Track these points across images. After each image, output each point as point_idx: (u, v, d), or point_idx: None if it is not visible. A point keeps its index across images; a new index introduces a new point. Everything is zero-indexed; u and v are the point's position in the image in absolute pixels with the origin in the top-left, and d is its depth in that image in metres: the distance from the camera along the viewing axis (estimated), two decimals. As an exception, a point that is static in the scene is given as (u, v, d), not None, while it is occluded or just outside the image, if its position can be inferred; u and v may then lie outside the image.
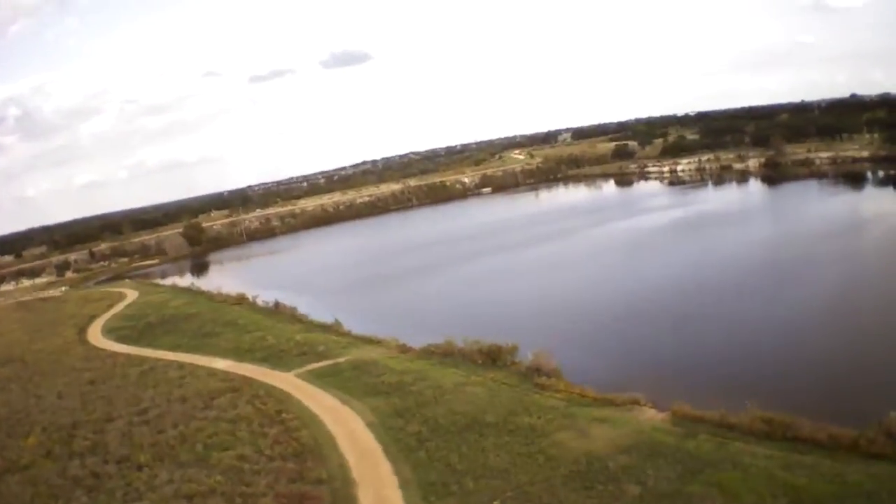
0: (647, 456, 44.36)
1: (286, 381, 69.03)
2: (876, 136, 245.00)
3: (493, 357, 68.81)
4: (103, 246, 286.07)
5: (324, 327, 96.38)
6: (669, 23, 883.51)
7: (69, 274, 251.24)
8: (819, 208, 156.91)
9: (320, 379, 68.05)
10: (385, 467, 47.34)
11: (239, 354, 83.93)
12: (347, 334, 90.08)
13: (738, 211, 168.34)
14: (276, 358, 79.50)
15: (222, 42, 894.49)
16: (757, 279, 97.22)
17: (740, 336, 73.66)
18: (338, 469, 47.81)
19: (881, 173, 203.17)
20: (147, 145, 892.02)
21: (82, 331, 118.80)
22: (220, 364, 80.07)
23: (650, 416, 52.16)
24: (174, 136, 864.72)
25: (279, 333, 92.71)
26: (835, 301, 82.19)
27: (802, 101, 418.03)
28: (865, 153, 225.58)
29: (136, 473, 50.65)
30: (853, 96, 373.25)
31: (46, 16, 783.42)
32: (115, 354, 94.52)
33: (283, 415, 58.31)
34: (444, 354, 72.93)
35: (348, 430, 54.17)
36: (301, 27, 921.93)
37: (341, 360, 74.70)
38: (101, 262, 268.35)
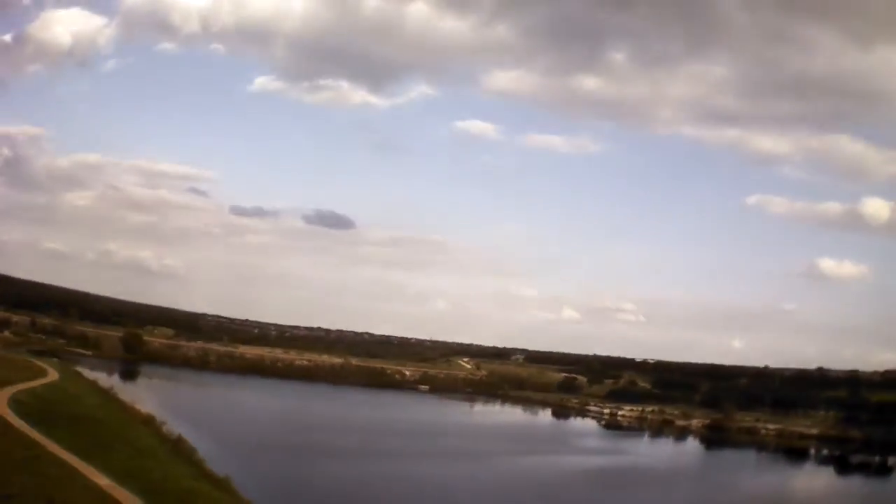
0: None
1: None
2: (831, 414, 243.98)
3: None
4: (47, 321, 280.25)
5: (213, 480, 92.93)
6: (645, 264, 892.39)
7: (6, 333, 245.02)
8: (752, 482, 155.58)
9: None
10: None
11: (122, 477, 79.47)
12: (234, 494, 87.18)
13: (670, 469, 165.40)
14: (155, 495, 76.07)
15: (214, 164, 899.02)
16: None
17: None
18: None
19: (825, 452, 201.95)
20: (119, 238, 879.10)
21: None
22: (102, 481, 76.28)
23: None
24: (146, 239, 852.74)
25: (169, 470, 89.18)
26: None
27: (767, 366, 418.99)
28: (815, 431, 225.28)
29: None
30: (819, 370, 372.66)
31: (63, 71, 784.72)
32: (9, 427, 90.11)
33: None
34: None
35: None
36: (291, 172, 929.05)
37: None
38: (41, 335, 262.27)
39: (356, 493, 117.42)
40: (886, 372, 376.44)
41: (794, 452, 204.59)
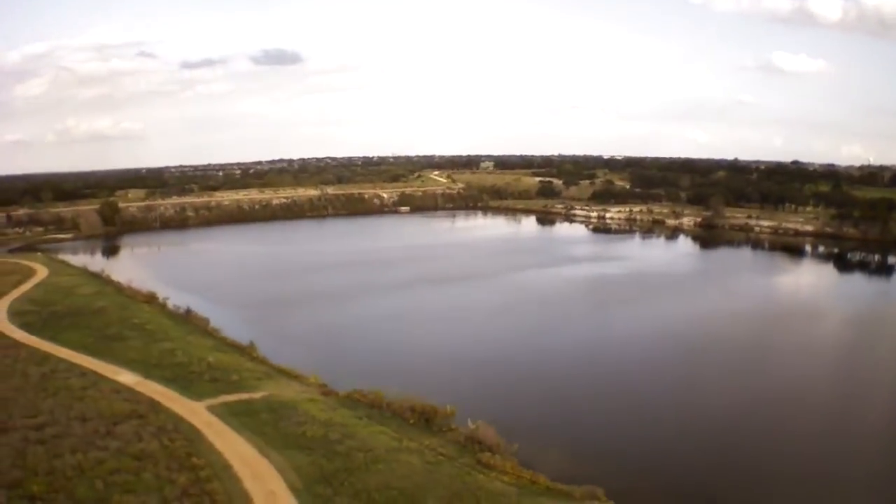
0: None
1: (197, 413, 62.71)
2: (823, 210, 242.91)
3: (427, 419, 64.08)
4: (21, 212, 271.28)
5: (237, 349, 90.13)
6: (599, 61, 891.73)
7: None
8: (764, 283, 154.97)
9: (234, 417, 61.94)
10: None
11: (146, 368, 76.83)
12: (263, 362, 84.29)
13: (677, 274, 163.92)
14: (185, 380, 72.90)
15: (159, 23, 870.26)
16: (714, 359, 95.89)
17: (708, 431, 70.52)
18: (253, 539, 42.81)
19: (821, 249, 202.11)
20: (76, 114, 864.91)
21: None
22: (126, 378, 72.99)
23: (613, 515, 48.14)
24: (102, 109, 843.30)
25: (190, 349, 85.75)
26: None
27: (737, 159, 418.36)
28: (810, 227, 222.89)
29: (26, 507, 44.77)
30: (795, 163, 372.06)
31: None
32: (17, 345, 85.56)
33: (194, 459, 52.07)
34: (371, 405, 67.84)
35: (267, 490, 48.39)
36: (236, 19, 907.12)
37: (257, 395, 68.78)
38: (17, 229, 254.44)
39: (387, 328, 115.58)
40: (863, 167, 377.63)
41: (789, 250, 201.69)
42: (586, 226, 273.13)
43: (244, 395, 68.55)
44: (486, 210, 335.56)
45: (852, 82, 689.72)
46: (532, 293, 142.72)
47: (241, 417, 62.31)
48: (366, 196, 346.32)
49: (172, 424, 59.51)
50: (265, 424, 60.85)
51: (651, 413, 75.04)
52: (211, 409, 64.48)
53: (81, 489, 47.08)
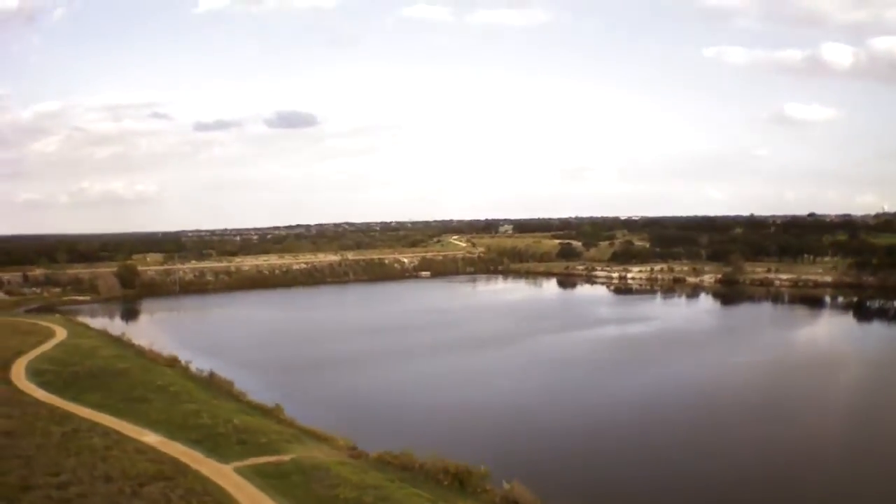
0: None
1: (225, 476, 60.29)
2: (841, 260, 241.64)
3: (461, 480, 61.16)
4: (37, 271, 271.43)
5: (263, 411, 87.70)
6: (610, 121, 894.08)
7: (1, 294, 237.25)
8: (787, 336, 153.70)
9: (264, 480, 59.44)
10: None
11: (170, 430, 74.58)
12: (290, 424, 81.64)
13: (702, 332, 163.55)
14: (211, 442, 70.54)
15: (172, 84, 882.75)
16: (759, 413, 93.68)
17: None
18: None
19: (840, 299, 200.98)
20: (89, 175, 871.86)
21: (6, 367, 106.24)
22: (150, 438, 70.81)
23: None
24: (116, 170, 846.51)
25: (215, 411, 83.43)
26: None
27: (752, 214, 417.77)
28: (829, 278, 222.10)
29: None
30: (812, 215, 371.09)
31: (13, 28, 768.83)
32: (37, 403, 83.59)
33: (225, 523, 50.21)
34: (403, 467, 64.94)
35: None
36: (250, 81, 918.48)
37: (286, 457, 66.24)
38: (34, 289, 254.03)
39: (416, 392, 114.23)
40: (879, 215, 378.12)
41: (809, 301, 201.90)
42: (608, 287, 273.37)
43: (273, 458, 65.99)
44: (507, 273, 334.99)
45: (863, 129, 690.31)
46: (558, 355, 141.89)
47: (270, 480, 59.77)
48: (386, 261, 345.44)
49: (201, 486, 56.94)
50: (296, 487, 58.26)
51: (686, 468, 73.25)
52: (239, 471, 61.93)
53: (108, 556, 44.86)
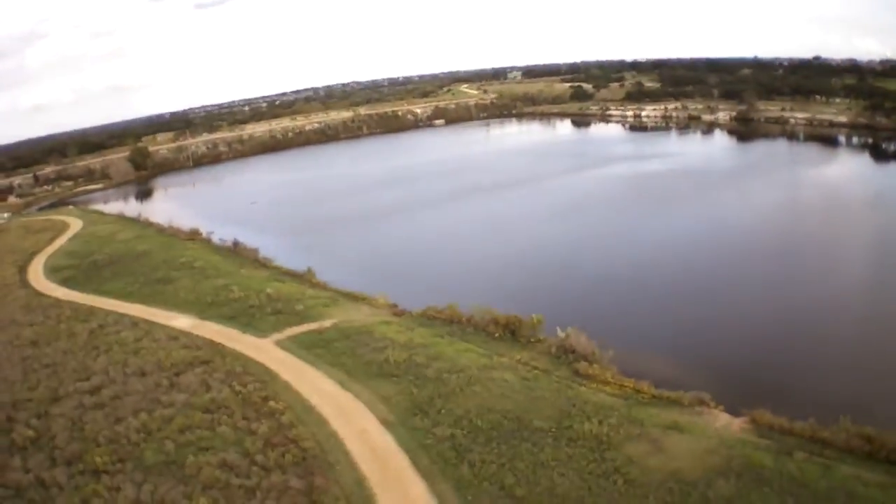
0: (751, 482, 34.22)
1: (265, 351, 56.70)
2: (855, 102, 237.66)
3: (513, 331, 57.26)
4: (48, 169, 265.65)
5: (295, 277, 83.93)
6: None
7: (12, 199, 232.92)
8: (817, 172, 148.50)
9: (307, 350, 55.82)
10: (418, 488, 36.34)
11: (201, 309, 70.90)
12: (325, 287, 77.76)
13: (726, 169, 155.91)
14: (246, 316, 66.81)
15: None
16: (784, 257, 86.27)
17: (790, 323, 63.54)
18: (356, 489, 36.61)
19: (855, 140, 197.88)
20: (92, 69, 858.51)
21: (23, 269, 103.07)
22: (182, 322, 67.06)
23: (725, 422, 41.64)
24: (118, 61, 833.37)
25: (245, 283, 79.67)
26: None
27: (756, 56, 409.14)
28: (844, 118, 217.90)
29: (92, 484, 38.69)
30: (817, 58, 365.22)
31: None
32: (59, 303, 80.00)
33: (272, 403, 46.28)
34: (450, 322, 61.29)
35: (358, 429, 42.60)
36: None
37: (326, 323, 62.51)
38: (45, 187, 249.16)
39: (444, 242, 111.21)
40: (884, 61, 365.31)
41: (825, 140, 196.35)
42: (623, 125, 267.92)
43: (313, 325, 62.32)
44: (521, 117, 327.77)
45: None
46: (585, 196, 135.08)
47: (314, 350, 56.14)
48: (399, 113, 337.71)
49: (241, 367, 53.41)
50: (342, 354, 54.60)
51: (738, 311, 68.16)
52: (279, 344, 58.41)
53: (150, 454, 41.66)
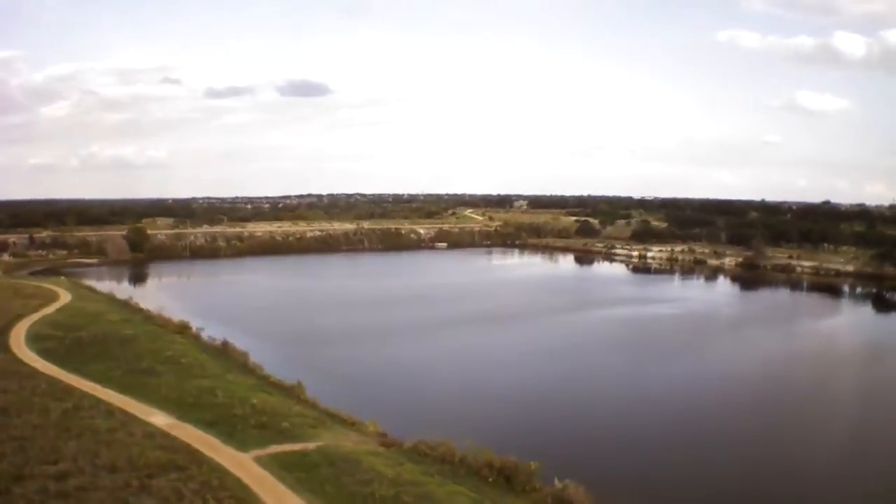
0: None
1: (244, 467, 53.89)
2: (858, 251, 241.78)
3: (508, 476, 55.26)
4: (44, 233, 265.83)
5: (283, 389, 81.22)
6: (624, 101, 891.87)
7: (5, 257, 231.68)
8: (824, 323, 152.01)
9: (289, 472, 53.03)
10: None
11: (182, 409, 68.07)
12: (314, 405, 75.12)
13: (732, 316, 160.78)
14: (227, 424, 64.01)
15: (184, 49, 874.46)
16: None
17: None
18: None
19: (858, 289, 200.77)
20: (100, 140, 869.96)
21: (4, 332, 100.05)
22: (159, 419, 64.35)
23: None
24: (127, 136, 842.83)
25: (231, 388, 77.02)
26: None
27: (764, 200, 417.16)
28: (850, 268, 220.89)
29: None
30: (826, 203, 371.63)
31: None
32: (36, 374, 77.07)
33: (246, 525, 43.77)
34: (442, 460, 58.77)
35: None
36: (262, 48, 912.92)
37: (311, 445, 59.84)
38: (40, 251, 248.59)
39: (440, 370, 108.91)
40: (892, 206, 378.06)
41: (828, 290, 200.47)
42: (626, 265, 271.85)
43: (297, 446, 59.61)
44: (524, 248, 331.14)
45: (875, 121, 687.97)
46: (588, 335, 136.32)
47: (295, 472, 53.37)
48: (402, 231, 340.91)
49: (218, 479, 50.45)
50: (325, 482, 51.83)
51: (744, 460, 68.31)
52: (259, 460, 55.59)
53: (112, 565, 38.61)
